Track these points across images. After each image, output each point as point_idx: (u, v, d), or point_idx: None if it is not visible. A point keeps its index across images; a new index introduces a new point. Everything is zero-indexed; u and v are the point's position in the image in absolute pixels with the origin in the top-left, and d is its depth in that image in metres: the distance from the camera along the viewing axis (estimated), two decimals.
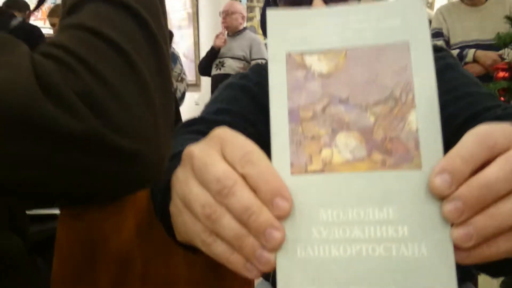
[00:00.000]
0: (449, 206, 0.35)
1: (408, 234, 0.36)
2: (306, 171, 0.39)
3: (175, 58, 4.22)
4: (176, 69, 4.19)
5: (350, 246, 0.37)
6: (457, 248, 0.35)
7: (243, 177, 0.38)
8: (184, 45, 5.78)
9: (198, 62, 5.09)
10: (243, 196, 0.38)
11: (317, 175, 0.38)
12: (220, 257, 0.39)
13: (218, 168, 0.39)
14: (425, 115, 0.38)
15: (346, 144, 0.38)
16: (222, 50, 4.22)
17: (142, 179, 0.47)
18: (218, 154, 0.40)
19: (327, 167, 0.38)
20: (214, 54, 4.26)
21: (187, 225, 0.41)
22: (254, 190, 0.38)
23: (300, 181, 0.38)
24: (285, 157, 0.39)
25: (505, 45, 2.23)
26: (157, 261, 0.85)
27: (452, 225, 0.35)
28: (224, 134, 0.41)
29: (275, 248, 0.37)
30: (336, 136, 0.39)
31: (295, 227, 0.38)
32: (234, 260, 0.39)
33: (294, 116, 0.39)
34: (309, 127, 0.39)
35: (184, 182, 0.41)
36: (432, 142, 0.37)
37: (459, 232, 0.35)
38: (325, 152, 0.39)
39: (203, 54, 4.61)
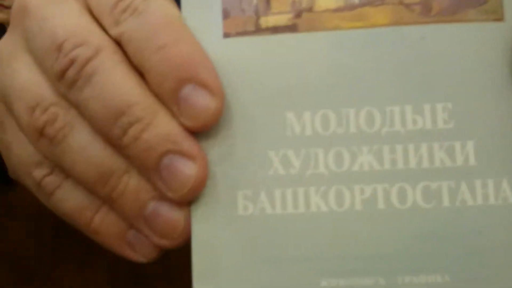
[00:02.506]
0: None
1: (476, 161, 0.17)
2: (257, 29, 0.18)
3: None
4: None
5: (351, 189, 0.17)
6: None
7: (119, 43, 0.17)
8: None
9: None
10: (113, 82, 0.17)
11: (282, 37, 0.17)
12: (72, 218, 0.19)
13: (64, 23, 0.17)
14: None
15: None
16: None
17: None
18: (76, 3, 0.18)
19: (303, 18, 0.17)
20: None
21: (11, 149, 0.20)
22: (139, 70, 0.17)
23: (243, 49, 0.17)
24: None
25: None
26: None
27: None
28: None
29: (187, 198, 0.17)
30: None
31: (233, 151, 0.17)
32: (99, 225, 0.18)
33: None
34: None
35: (7, 62, 0.19)
36: None
37: None
38: None
39: None
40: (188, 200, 0.17)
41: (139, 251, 0.18)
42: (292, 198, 0.17)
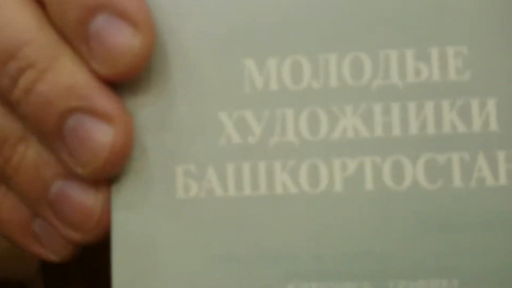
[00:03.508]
0: None
1: (499, 126, 0.12)
2: None
3: None
4: None
5: (330, 164, 0.13)
6: None
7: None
8: None
9: None
10: (1, 15, 0.12)
11: None
12: None
13: None
14: None
15: None
16: None
17: None
18: None
19: None
20: None
21: None
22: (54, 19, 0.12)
23: None
24: None
25: None
26: None
27: None
28: None
29: (102, 175, 0.12)
30: None
31: (170, 112, 0.13)
32: None
33: None
34: None
35: None
36: None
37: None
38: None
39: None
40: (104, 178, 0.12)
41: (48, 246, 0.14)
42: (251, 176, 0.13)
